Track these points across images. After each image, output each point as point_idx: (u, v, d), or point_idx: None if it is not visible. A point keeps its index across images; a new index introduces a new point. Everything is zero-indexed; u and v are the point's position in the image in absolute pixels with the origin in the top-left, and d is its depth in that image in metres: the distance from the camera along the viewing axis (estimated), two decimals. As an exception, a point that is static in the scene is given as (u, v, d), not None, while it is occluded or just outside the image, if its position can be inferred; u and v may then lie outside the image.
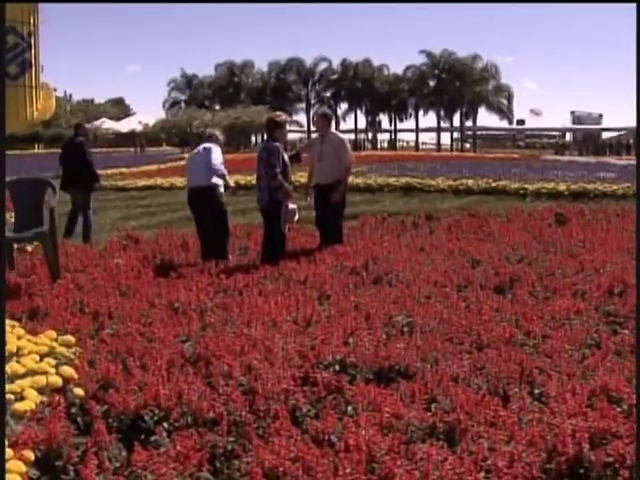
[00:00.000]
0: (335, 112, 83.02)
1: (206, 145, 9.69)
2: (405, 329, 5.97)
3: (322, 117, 10.97)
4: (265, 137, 9.95)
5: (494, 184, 20.53)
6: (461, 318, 6.18)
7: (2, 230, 7.22)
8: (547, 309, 6.54)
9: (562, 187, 19.37)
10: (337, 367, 4.99)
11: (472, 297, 7.02)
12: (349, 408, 4.31)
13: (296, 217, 9.53)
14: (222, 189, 9.55)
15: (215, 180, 9.40)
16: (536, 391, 4.66)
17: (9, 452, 3.63)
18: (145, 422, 4.18)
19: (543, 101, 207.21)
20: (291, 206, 9.34)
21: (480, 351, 5.37)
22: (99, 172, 27.73)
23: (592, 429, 3.84)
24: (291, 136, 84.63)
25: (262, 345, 5.35)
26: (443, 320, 6.14)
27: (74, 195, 12.53)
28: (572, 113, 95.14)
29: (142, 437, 4.02)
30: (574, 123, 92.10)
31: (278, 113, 10.25)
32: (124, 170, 29.83)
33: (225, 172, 9.59)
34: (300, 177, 15.04)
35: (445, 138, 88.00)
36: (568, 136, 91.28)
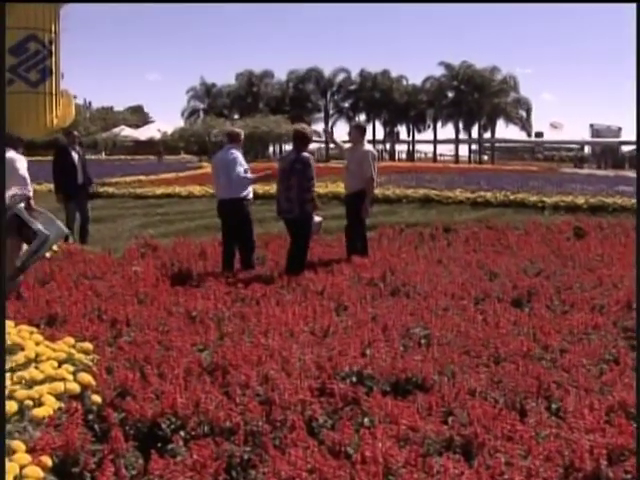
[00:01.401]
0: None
1: (229, 152, 9.58)
2: (422, 341, 5.95)
3: (355, 129, 11.04)
4: (285, 148, 10.04)
5: (512, 197, 20.48)
6: (478, 331, 6.16)
7: (2, 233, 7.27)
8: (565, 323, 6.50)
9: (581, 200, 19.30)
10: (354, 378, 4.98)
11: (489, 310, 6.99)
12: (366, 420, 4.30)
13: (320, 229, 9.70)
14: (250, 197, 9.55)
15: (240, 193, 9.36)
16: (553, 406, 4.63)
17: (27, 458, 3.65)
18: (162, 430, 4.19)
19: (562, 114, 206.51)
20: (317, 219, 9.43)
21: (497, 364, 5.35)
22: (117, 180, 27.99)
23: (610, 445, 3.83)
24: (310, 146, 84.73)
25: (279, 355, 5.35)
26: (460, 333, 6.12)
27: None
28: (591, 126, 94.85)
29: (159, 445, 4.02)
30: (593, 136, 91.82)
31: (308, 128, 10.32)
32: (142, 178, 29.93)
33: (250, 177, 9.57)
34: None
35: (463, 150, 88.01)
36: (587, 149, 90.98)
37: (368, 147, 10.74)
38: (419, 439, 4.00)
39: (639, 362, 5.24)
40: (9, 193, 8.54)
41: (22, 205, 8.65)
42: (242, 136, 9.91)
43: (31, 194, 8.84)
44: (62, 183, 12.78)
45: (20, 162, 8.70)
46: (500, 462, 3.67)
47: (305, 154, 9.30)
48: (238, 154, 9.51)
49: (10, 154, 8.82)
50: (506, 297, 7.64)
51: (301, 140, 9.49)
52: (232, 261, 9.38)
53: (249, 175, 9.56)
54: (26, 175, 8.72)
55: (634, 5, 6.42)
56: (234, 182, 9.33)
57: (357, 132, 10.84)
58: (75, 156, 12.86)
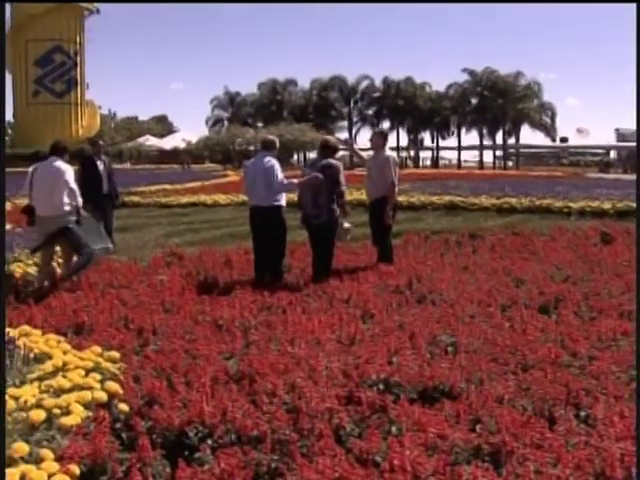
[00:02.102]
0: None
1: (265, 162, 9.45)
2: (449, 349, 5.92)
3: (379, 135, 11.04)
4: (309, 156, 10.14)
5: (538, 202, 20.31)
6: (506, 338, 6.12)
7: (2, 232, 7.37)
8: (593, 330, 6.44)
9: (607, 205, 19.10)
10: (381, 386, 4.97)
11: (517, 317, 6.95)
12: (393, 428, 4.28)
13: (348, 236, 9.86)
14: (284, 206, 9.53)
15: (277, 200, 9.34)
16: (583, 413, 4.58)
17: (55, 466, 3.66)
18: (189, 439, 4.19)
19: (587, 118, 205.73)
20: (346, 225, 9.62)
21: (525, 372, 5.31)
22: (142, 189, 28.15)
23: (641, 453, 3.78)
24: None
25: (306, 363, 5.34)
26: (487, 340, 6.08)
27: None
28: (616, 130, 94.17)
29: (186, 454, 4.03)
30: (618, 140, 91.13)
31: (332, 138, 10.40)
32: (168, 187, 30.02)
33: (295, 182, 9.59)
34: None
35: (487, 156, 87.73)
36: (612, 154, 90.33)
37: (389, 153, 10.72)
38: (447, 447, 3.97)
39: (639, 362, 5.20)
40: (64, 203, 9.04)
41: (73, 218, 9.14)
42: (277, 144, 9.89)
43: (80, 204, 9.21)
44: (88, 193, 12.85)
45: (69, 173, 9.27)
46: (529, 470, 3.64)
47: (333, 160, 9.38)
48: (275, 161, 9.47)
49: (58, 164, 9.33)
50: (533, 304, 7.59)
51: (327, 148, 9.62)
52: (265, 269, 9.38)
53: (294, 180, 9.59)
54: (75, 186, 9.20)
55: (634, 5, 6.38)
56: (275, 189, 9.28)
57: (379, 138, 10.83)
58: (101, 166, 12.93)
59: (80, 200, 9.37)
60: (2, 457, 3.58)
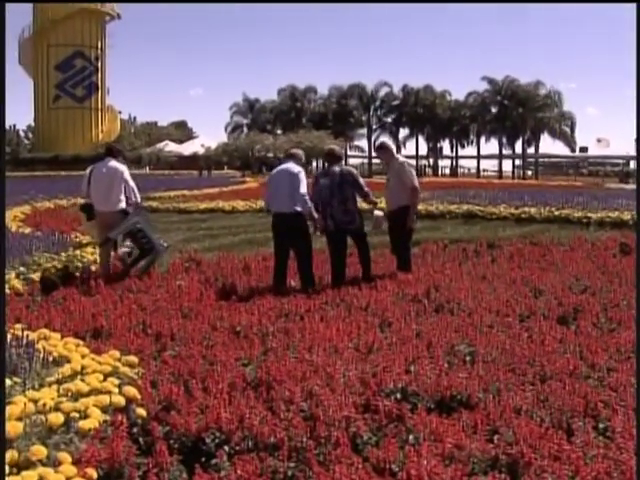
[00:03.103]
0: (396, 138, 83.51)
1: (291, 168, 9.45)
2: (467, 358, 5.90)
3: (381, 150, 10.98)
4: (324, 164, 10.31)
5: (557, 212, 20.17)
6: (524, 349, 6.09)
7: (2, 232, 7.44)
8: (612, 341, 6.41)
9: (627, 216, 18.91)
10: (398, 395, 4.95)
11: (535, 327, 6.92)
12: (410, 437, 4.27)
13: (385, 223, 10.38)
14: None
15: (300, 206, 9.26)
16: (601, 425, 4.55)
17: (73, 469, 3.68)
18: (206, 445, 4.20)
19: (607, 128, 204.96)
20: (377, 212, 10.26)
21: (543, 383, 5.28)
22: (161, 194, 28.21)
23: (660, 467, 3.76)
24: (352, 161, 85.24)
25: (323, 371, 5.34)
26: (505, 350, 6.06)
27: None
28: (637, 141, 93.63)
29: (203, 460, 4.04)
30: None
31: (338, 148, 10.66)
32: (186, 192, 30.13)
33: (310, 205, 9.34)
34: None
35: (507, 165, 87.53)
36: (632, 164, 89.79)
37: (402, 159, 10.67)
38: (464, 457, 3.96)
39: (639, 364, 5.16)
40: (121, 200, 9.97)
41: (140, 219, 9.61)
42: (300, 155, 9.95)
43: (139, 200, 10.30)
44: None
45: (127, 172, 9.99)
46: (547, 482, 3.63)
47: (347, 167, 9.54)
48: (302, 170, 9.50)
49: (114, 163, 10.00)
50: (552, 314, 7.55)
51: (333, 156, 9.91)
52: (285, 276, 9.39)
53: (314, 212, 9.41)
54: (133, 184, 9.96)
55: (634, 5, 6.36)
56: (295, 198, 9.20)
57: (382, 153, 10.86)
58: None
59: (139, 197, 10.21)
60: (2, 458, 3.60)
